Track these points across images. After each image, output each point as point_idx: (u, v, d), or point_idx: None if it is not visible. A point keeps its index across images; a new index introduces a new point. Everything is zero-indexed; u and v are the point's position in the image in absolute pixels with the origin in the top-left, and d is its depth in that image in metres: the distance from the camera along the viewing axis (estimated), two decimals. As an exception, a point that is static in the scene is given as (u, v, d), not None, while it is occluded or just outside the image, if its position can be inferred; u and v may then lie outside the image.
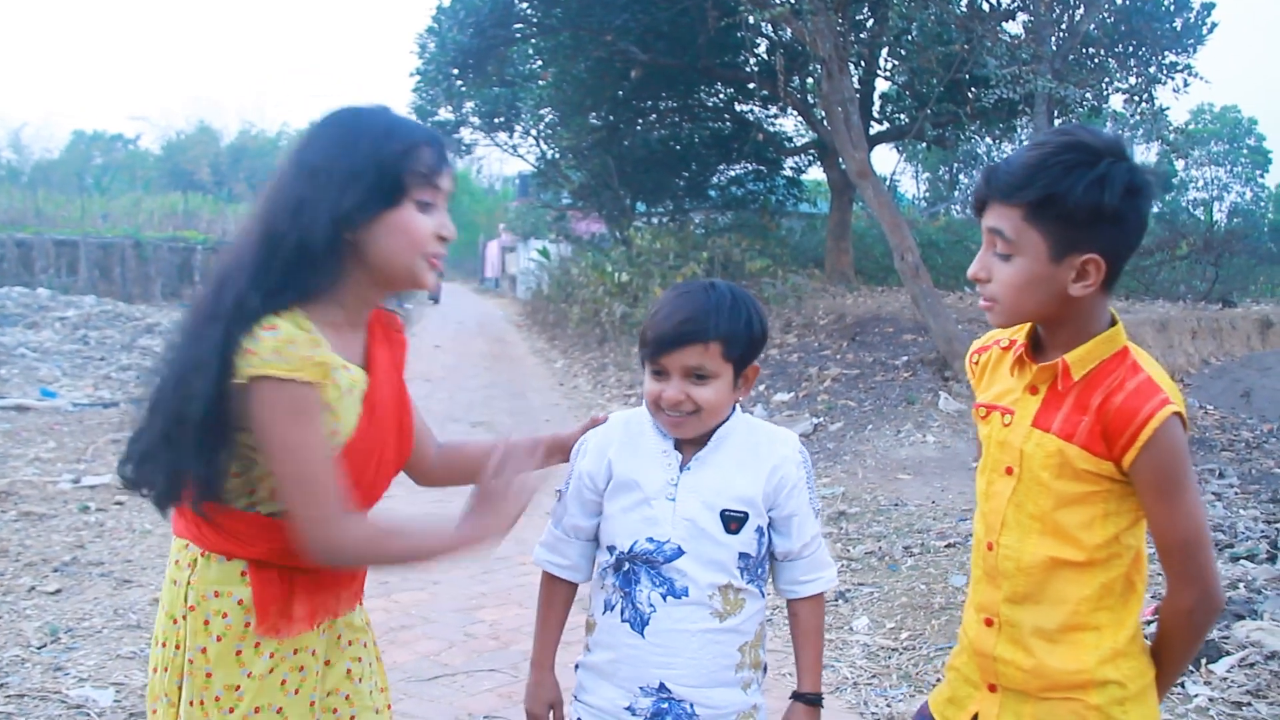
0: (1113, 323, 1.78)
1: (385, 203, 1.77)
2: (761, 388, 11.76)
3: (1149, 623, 2.07)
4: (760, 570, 2.07)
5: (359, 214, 1.75)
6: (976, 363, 2.01)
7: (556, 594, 2.18)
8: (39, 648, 4.46)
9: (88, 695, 3.95)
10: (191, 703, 1.80)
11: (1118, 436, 1.68)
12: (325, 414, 1.76)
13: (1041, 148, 1.72)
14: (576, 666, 2.16)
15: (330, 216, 1.74)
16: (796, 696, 2.10)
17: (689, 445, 2.05)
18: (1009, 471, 1.82)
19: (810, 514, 2.10)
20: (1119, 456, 1.69)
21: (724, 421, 2.06)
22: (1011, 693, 1.83)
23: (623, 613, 2.03)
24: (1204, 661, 4.14)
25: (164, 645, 1.85)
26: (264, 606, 1.80)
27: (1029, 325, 1.85)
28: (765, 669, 2.13)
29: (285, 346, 1.68)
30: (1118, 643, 1.77)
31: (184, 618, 1.82)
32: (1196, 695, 3.93)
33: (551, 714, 2.16)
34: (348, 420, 1.80)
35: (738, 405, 2.12)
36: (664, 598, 1.99)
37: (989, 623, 1.85)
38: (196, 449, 1.72)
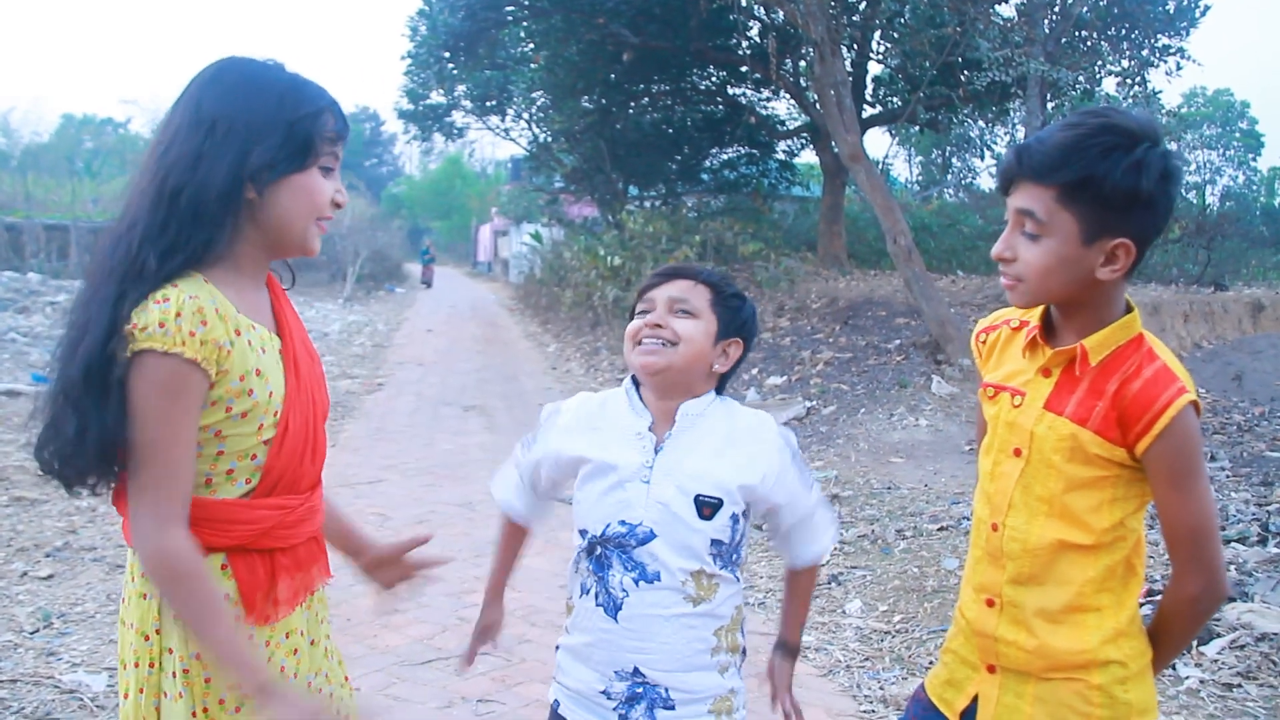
0: (1129, 309, 1.77)
1: (295, 164, 1.72)
2: (754, 371, 11.77)
3: (1142, 604, 2.07)
4: (735, 556, 2.06)
5: (266, 173, 1.69)
6: (984, 342, 1.99)
7: (511, 534, 2.30)
8: (32, 633, 4.45)
9: (81, 680, 3.95)
10: (195, 714, 1.73)
11: (1134, 423, 1.68)
12: (246, 382, 1.69)
13: (1076, 128, 1.69)
14: (557, 648, 2.16)
15: (232, 172, 1.67)
16: (782, 645, 2.18)
17: (661, 425, 2.04)
18: (1017, 453, 1.81)
19: (803, 492, 2.08)
20: (1133, 443, 1.69)
21: (695, 399, 2.05)
22: (1012, 673, 1.82)
23: (597, 597, 2.02)
24: (1195, 643, 4.15)
25: (136, 666, 1.76)
26: (250, 595, 1.76)
27: (1043, 307, 1.84)
28: (744, 652, 2.12)
29: (172, 319, 1.60)
30: (1119, 623, 1.77)
31: (158, 631, 1.74)
32: (1188, 677, 3.95)
33: (485, 634, 2.33)
34: (276, 379, 1.75)
35: (713, 392, 2.09)
36: (636, 582, 1.98)
37: (990, 603, 1.84)
38: (83, 411, 1.63)
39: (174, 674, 1.73)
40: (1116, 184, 1.64)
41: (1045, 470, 1.77)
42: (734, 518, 2.02)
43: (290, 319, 1.88)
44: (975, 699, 1.87)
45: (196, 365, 1.62)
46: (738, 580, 2.08)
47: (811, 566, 2.18)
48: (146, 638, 1.75)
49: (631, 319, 2.08)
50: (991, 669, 1.85)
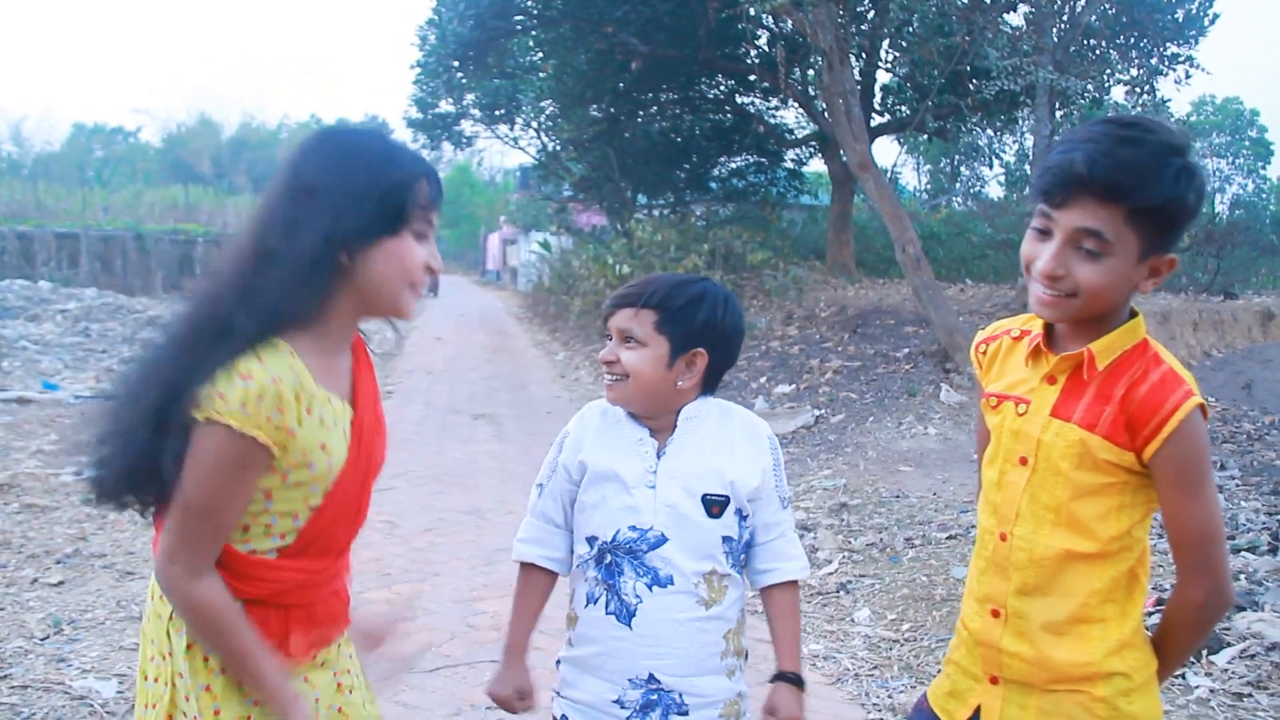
0: (1133, 314, 1.77)
1: (387, 230, 1.75)
2: (763, 379, 11.76)
3: (1150, 614, 2.06)
4: (741, 555, 2.08)
5: (360, 239, 1.73)
6: (984, 353, 1.98)
7: (536, 584, 2.18)
8: (42, 639, 4.46)
9: (91, 686, 3.96)
10: None
11: (1142, 427, 1.68)
12: (307, 457, 1.73)
13: (1142, 146, 1.63)
14: (558, 662, 2.15)
15: (327, 237, 1.70)
16: (781, 676, 2.10)
17: (661, 432, 2.06)
18: (1023, 461, 1.80)
19: (776, 499, 2.11)
20: (1141, 448, 1.69)
21: (690, 403, 2.08)
22: (1015, 685, 1.82)
23: (607, 605, 2.02)
24: (1205, 653, 4.14)
25: (155, 680, 1.81)
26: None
27: None
28: (747, 655, 2.13)
29: (254, 401, 1.64)
30: (1123, 634, 1.76)
31: (170, 655, 1.78)
32: (1198, 686, 3.94)
33: (521, 702, 2.15)
34: (338, 452, 1.78)
35: (706, 395, 2.11)
36: (649, 587, 1.99)
37: (996, 614, 1.84)
38: (146, 451, 1.68)
39: (188, 697, 1.77)
40: (1188, 207, 1.65)
41: (1053, 478, 1.76)
42: (739, 513, 2.05)
43: (366, 385, 1.91)
44: (978, 710, 1.87)
45: (266, 449, 1.67)
46: (743, 581, 2.10)
47: (791, 584, 2.14)
48: (164, 657, 1.79)
49: None
50: (994, 680, 1.85)
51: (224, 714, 1.77)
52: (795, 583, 2.15)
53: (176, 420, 1.65)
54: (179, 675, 1.77)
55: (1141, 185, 1.62)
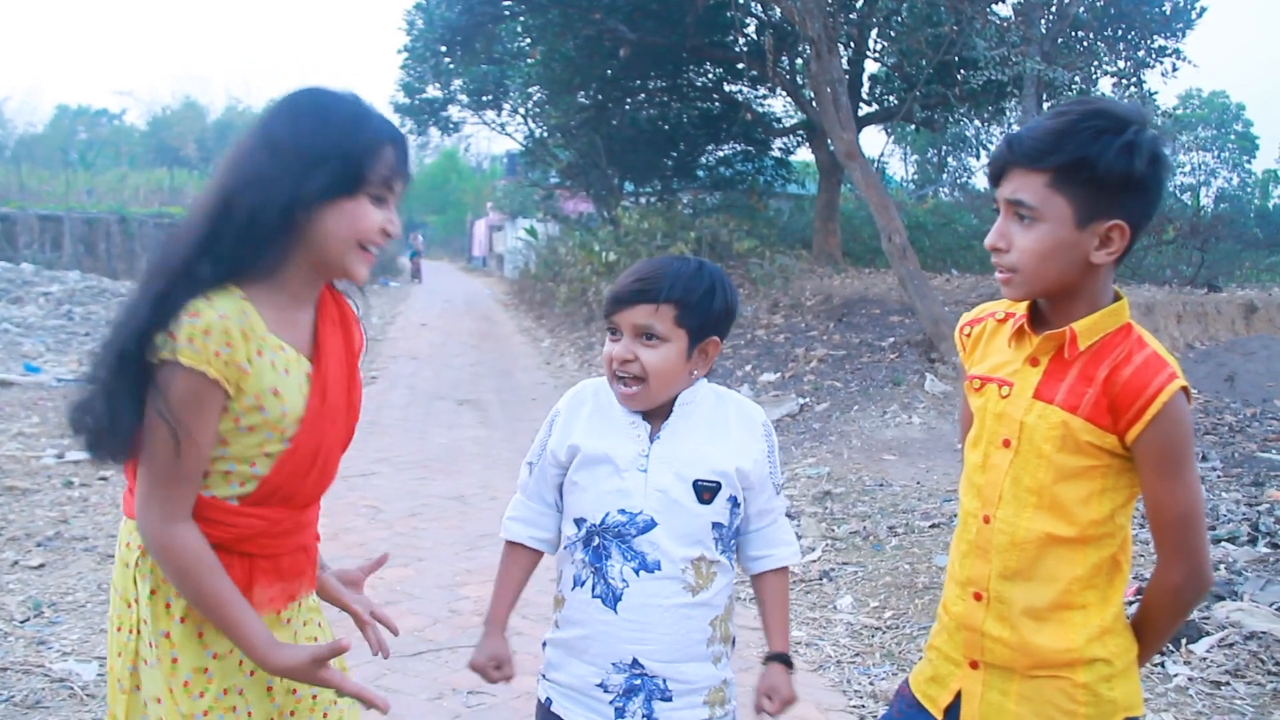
0: (1117, 297, 1.78)
1: (344, 190, 1.77)
2: (748, 368, 11.77)
3: (1130, 602, 2.07)
4: (731, 541, 2.08)
5: (317, 197, 1.75)
6: (968, 335, 1.99)
7: (520, 562, 2.17)
8: (22, 622, 4.45)
9: (71, 669, 3.95)
10: (160, 699, 1.78)
11: (1125, 410, 1.68)
12: (259, 400, 1.76)
13: (1066, 115, 1.70)
14: (544, 644, 2.14)
15: (290, 195, 1.73)
16: (774, 658, 2.11)
17: (655, 416, 2.04)
18: (1006, 444, 1.81)
19: (770, 486, 2.11)
20: (1124, 430, 1.69)
21: (686, 389, 2.06)
22: (996, 670, 1.82)
23: (594, 588, 2.01)
24: (1184, 641, 4.17)
25: (119, 630, 1.85)
26: None
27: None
28: (734, 642, 2.13)
29: (200, 336, 1.67)
30: (1104, 621, 1.77)
31: (136, 601, 1.81)
32: (1176, 675, 3.96)
33: (498, 670, 2.13)
34: (293, 400, 1.80)
35: (704, 378, 2.11)
36: (636, 572, 1.98)
37: (978, 597, 1.84)
38: (111, 394, 1.73)
39: (150, 643, 1.79)
40: (1110, 165, 1.66)
41: (1035, 460, 1.77)
42: (732, 500, 2.04)
43: (331, 344, 1.92)
44: (959, 696, 1.87)
45: (217, 384, 1.70)
46: (732, 568, 2.09)
47: (782, 570, 2.15)
48: (129, 605, 1.83)
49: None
50: (974, 665, 1.85)
51: (181, 662, 1.79)
52: (786, 568, 2.16)
53: (138, 366, 1.70)
54: (143, 622, 1.80)
55: (1057, 148, 1.68)
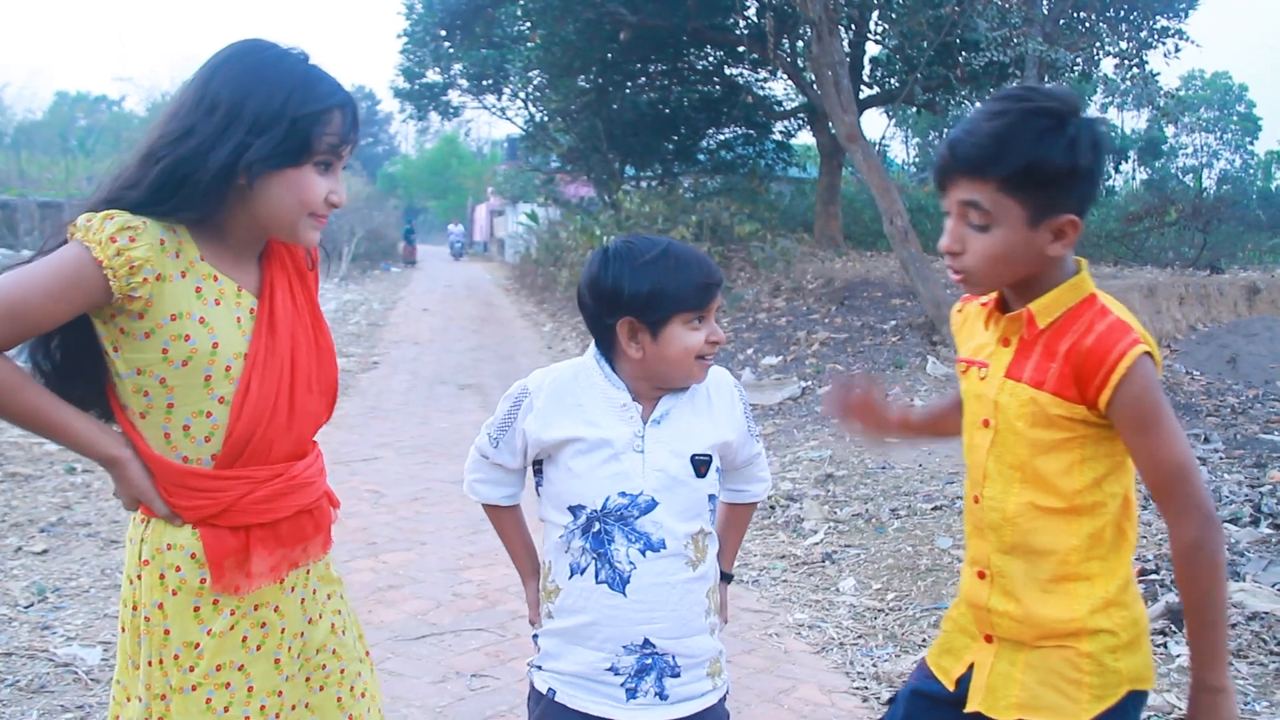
0: (1079, 269, 1.79)
1: (289, 160, 1.74)
2: (750, 351, 11.77)
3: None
4: (714, 509, 2.12)
5: (260, 165, 1.71)
6: (958, 318, 2.03)
7: (507, 517, 2.23)
8: (26, 607, 4.46)
9: (75, 653, 3.96)
10: (150, 662, 1.78)
11: (1091, 378, 1.69)
12: (183, 326, 1.73)
13: (1003, 116, 1.69)
14: (535, 636, 2.14)
15: (227, 159, 1.70)
16: (725, 577, 2.22)
17: (643, 396, 2.04)
18: (986, 424, 1.83)
19: (750, 436, 2.17)
20: (1094, 398, 1.70)
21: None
22: (1008, 643, 1.84)
23: (598, 574, 2.00)
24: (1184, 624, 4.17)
25: (124, 605, 1.85)
26: (218, 563, 1.77)
27: None
28: (720, 611, 2.20)
29: (102, 222, 1.67)
30: (1109, 592, 1.77)
31: (139, 576, 1.80)
32: (1179, 655, 3.97)
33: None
34: (228, 335, 1.77)
35: None
36: (642, 553, 1.98)
37: (981, 575, 1.87)
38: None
39: (148, 617, 1.78)
40: (1058, 166, 1.67)
41: (1013, 438, 1.79)
42: (718, 470, 2.10)
43: (280, 281, 1.89)
44: (972, 667, 1.89)
45: (99, 270, 1.66)
46: (715, 536, 2.13)
47: (753, 503, 2.28)
48: (131, 581, 1.82)
49: (651, 324, 1.97)
50: (989, 639, 1.87)
51: (173, 634, 1.78)
52: (755, 502, 2.29)
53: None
54: (138, 600, 1.80)
55: (999, 156, 1.67)
